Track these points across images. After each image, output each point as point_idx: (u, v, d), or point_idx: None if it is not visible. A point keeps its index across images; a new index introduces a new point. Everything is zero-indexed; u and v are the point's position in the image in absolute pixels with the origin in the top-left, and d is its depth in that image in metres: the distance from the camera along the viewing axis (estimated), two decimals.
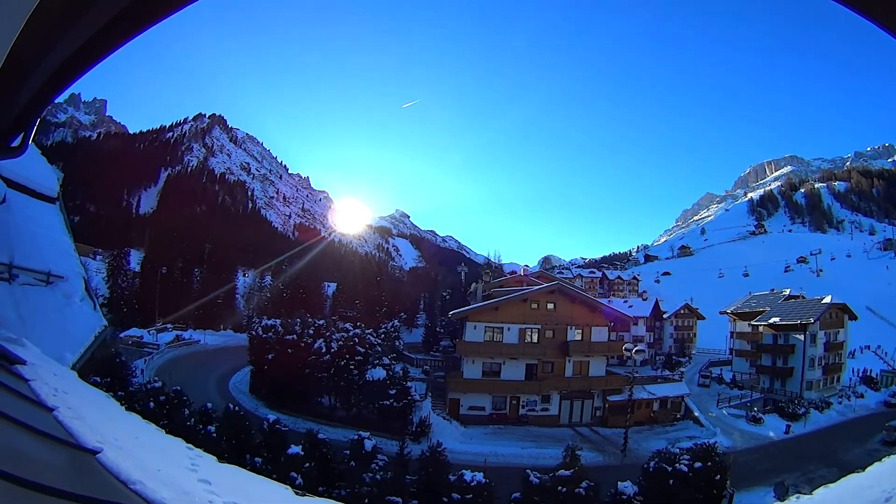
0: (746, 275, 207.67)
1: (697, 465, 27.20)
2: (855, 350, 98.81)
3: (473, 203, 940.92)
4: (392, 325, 78.56)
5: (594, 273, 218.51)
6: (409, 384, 48.08)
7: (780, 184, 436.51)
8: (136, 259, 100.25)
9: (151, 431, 5.58)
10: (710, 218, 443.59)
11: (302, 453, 25.76)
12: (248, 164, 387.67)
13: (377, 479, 23.64)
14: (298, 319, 55.11)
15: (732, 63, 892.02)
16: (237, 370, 60.11)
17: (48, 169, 14.18)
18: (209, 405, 32.46)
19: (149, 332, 73.78)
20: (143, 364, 53.78)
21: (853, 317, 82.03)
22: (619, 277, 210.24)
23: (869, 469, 4.42)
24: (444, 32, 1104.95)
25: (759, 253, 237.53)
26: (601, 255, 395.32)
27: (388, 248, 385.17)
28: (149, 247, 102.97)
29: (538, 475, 25.84)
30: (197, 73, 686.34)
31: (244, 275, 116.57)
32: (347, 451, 27.66)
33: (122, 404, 6.79)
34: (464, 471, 25.39)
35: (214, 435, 27.64)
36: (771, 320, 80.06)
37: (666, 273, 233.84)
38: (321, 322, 56.65)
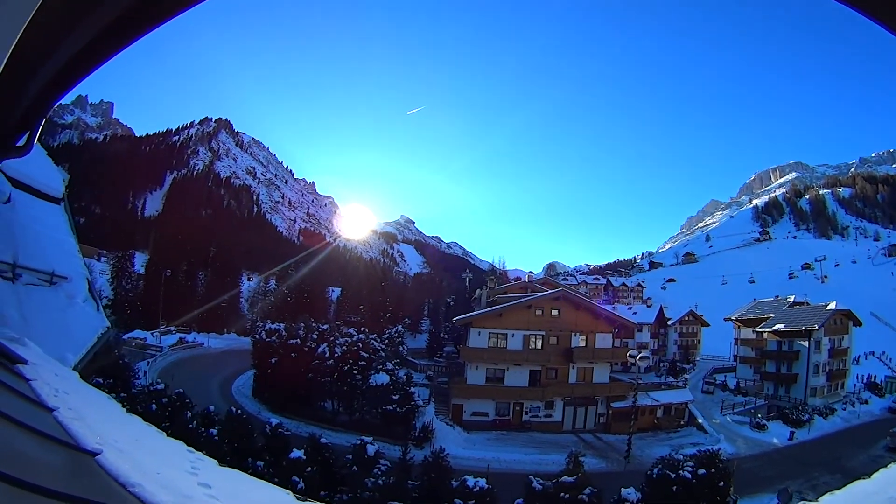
0: (752, 281, 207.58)
1: (701, 471, 27.09)
2: (859, 356, 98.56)
3: (478, 209, 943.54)
4: (396, 331, 78.66)
5: (599, 280, 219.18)
6: (412, 389, 48.12)
7: (784, 190, 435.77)
8: (140, 261, 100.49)
9: (152, 434, 5.55)
10: (714, 225, 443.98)
11: (304, 457, 25.74)
12: (254, 168, 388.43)
13: (379, 484, 23.63)
14: (302, 324, 55.26)
15: (737, 69, 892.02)
16: (240, 374, 60.27)
17: (54, 170, 14.18)
18: (212, 408, 32.45)
19: (152, 334, 73.86)
20: (147, 366, 53.97)
21: (858, 323, 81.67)
22: (623, 284, 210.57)
23: (875, 475, 4.37)
24: (450, 39, 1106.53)
25: (763, 259, 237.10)
26: (606, 262, 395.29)
27: (392, 254, 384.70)
28: (153, 249, 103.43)
29: (541, 481, 25.78)
30: (204, 78, 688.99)
31: (248, 279, 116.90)
32: (350, 456, 27.62)
33: (124, 406, 6.78)
34: (466, 476, 25.33)
35: (217, 438, 27.63)
36: (775, 327, 79.75)
37: (671, 280, 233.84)
38: (325, 327, 56.74)
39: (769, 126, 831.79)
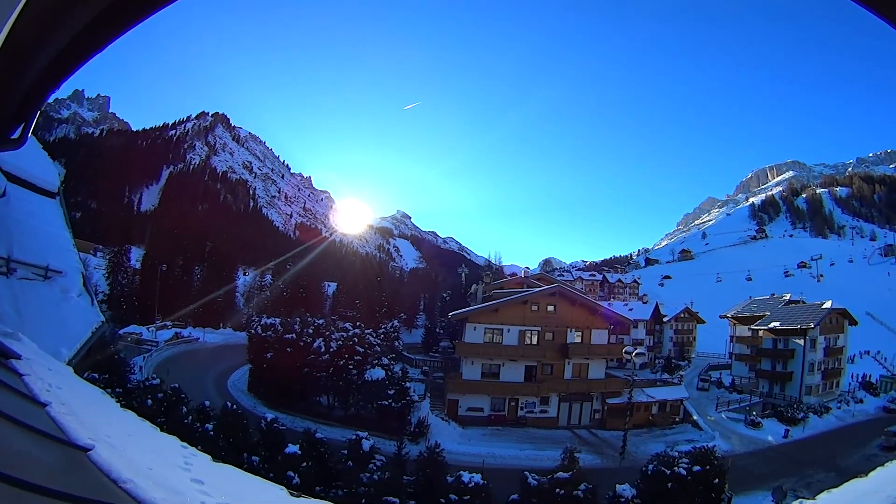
0: (750, 279, 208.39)
1: (696, 468, 27.10)
2: (855, 355, 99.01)
3: (475, 205, 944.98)
4: (392, 326, 78.50)
5: (595, 276, 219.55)
6: (407, 384, 48.14)
7: (781, 189, 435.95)
8: (136, 256, 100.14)
9: (145, 429, 5.53)
10: (711, 222, 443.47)
11: (299, 452, 25.70)
12: (251, 162, 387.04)
13: (375, 479, 23.58)
14: (298, 318, 55.15)
15: (736, 67, 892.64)
16: (236, 368, 60.21)
17: (49, 164, 14.15)
18: (207, 403, 32.37)
19: (148, 329, 73.80)
20: (142, 361, 53.76)
21: (853, 322, 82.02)
22: (619, 280, 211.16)
23: (872, 474, 4.37)
24: (448, 35, 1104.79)
25: (759, 257, 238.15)
26: (602, 259, 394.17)
27: (388, 249, 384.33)
28: (149, 244, 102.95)
29: (536, 477, 25.77)
30: (201, 72, 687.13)
31: (245, 273, 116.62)
32: (345, 451, 27.57)
33: (119, 401, 6.78)
34: (462, 472, 25.34)
35: (212, 433, 27.57)
36: (771, 325, 80.00)
37: (667, 277, 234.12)
38: (321, 321, 56.66)
39: (767, 124, 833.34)
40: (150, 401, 29.42)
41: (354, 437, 28.35)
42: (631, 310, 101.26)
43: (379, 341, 57.66)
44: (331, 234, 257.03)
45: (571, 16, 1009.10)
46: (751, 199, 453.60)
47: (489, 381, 54.65)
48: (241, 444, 27.51)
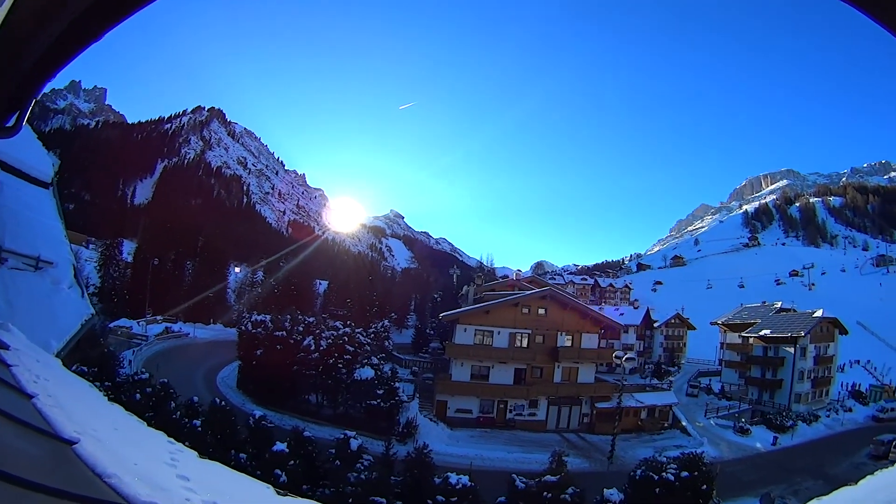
0: (742, 286, 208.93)
1: (684, 474, 27.17)
2: (845, 364, 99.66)
3: (468, 206, 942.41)
4: (382, 325, 78.53)
5: (586, 280, 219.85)
6: (396, 385, 48.14)
7: (775, 197, 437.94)
8: (128, 249, 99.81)
9: (132, 423, 5.50)
10: (704, 229, 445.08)
11: (287, 451, 25.67)
12: (245, 158, 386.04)
13: (362, 478, 23.56)
14: (288, 316, 55.09)
15: (733, 74, 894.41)
16: (225, 365, 60.04)
17: (44, 154, 14.09)
18: (195, 399, 32.25)
19: (138, 323, 73.52)
20: (132, 355, 53.60)
21: (844, 331, 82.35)
22: (610, 285, 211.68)
23: (861, 482, 4.37)
24: (441, 34, 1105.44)
25: (751, 265, 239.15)
26: (594, 263, 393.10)
27: (381, 248, 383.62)
28: (142, 238, 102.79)
29: (524, 480, 25.79)
30: (197, 66, 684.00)
31: (236, 269, 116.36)
32: (333, 450, 27.56)
33: (108, 395, 6.74)
34: (449, 473, 25.35)
35: (200, 429, 27.49)
36: (761, 332, 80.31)
37: (658, 282, 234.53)
38: (311, 319, 56.61)
39: (762, 132, 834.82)
40: (138, 395, 29.38)
41: (342, 436, 28.36)
42: (622, 314, 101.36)
43: (369, 341, 57.73)
44: (323, 232, 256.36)
45: (566, 18, 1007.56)
46: (744, 207, 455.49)
47: (478, 382, 54.61)
48: (228, 441, 27.47)
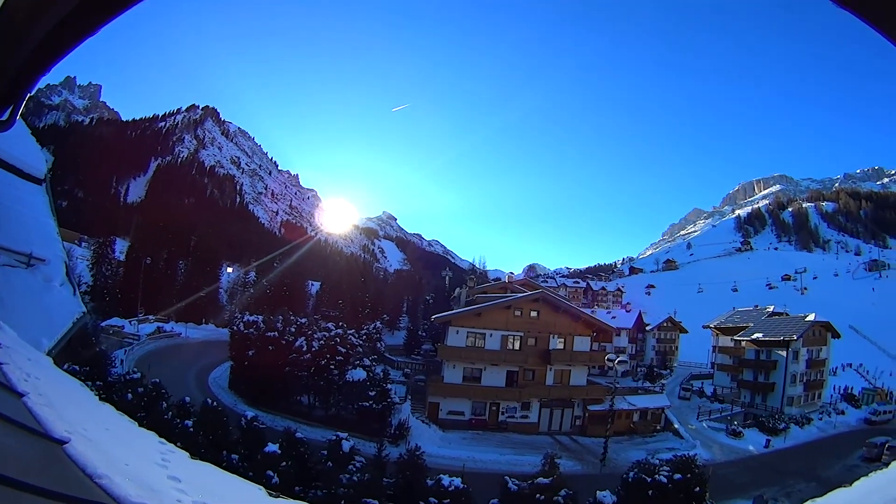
0: (735, 290, 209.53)
1: (677, 476, 27.17)
2: (837, 368, 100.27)
3: (461, 208, 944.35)
4: (374, 327, 78.47)
5: (579, 283, 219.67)
6: (389, 386, 47.97)
7: (768, 202, 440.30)
8: (121, 248, 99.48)
9: (123, 423, 5.45)
10: (696, 233, 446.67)
11: (279, 452, 25.57)
12: (239, 158, 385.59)
13: (354, 480, 23.51)
14: (281, 317, 55.03)
15: (728, 79, 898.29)
16: (217, 365, 59.95)
17: (37, 150, 13.97)
18: (187, 399, 32.11)
19: (130, 322, 73.34)
20: (124, 354, 53.50)
21: (836, 335, 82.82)
22: (603, 288, 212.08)
23: (856, 484, 4.36)
24: (436, 36, 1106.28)
25: (744, 269, 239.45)
26: (586, 266, 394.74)
27: (373, 250, 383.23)
28: (135, 236, 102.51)
29: (516, 482, 25.75)
30: (193, 64, 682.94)
31: (229, 269, 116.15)
32: (325, 452, 27.47)
33: (99, 394, 6.68)
34: (441, 475, 25.26)
35: (192, 429, 27.39)
36: (754, 336, 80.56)
37: (651, 286, 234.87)
38: (303, 320, 56.66)
39: (756, 138, 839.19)
40: (130, 395, 29.26)
41: (334, 437, 28.26)
42: (614, 318, 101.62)
43: (361, 342, 57.67)
44: (316, 233, 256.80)
45: (561, 21, 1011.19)
46: (737, 212, 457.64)
47: (471, 384, 54.59)
48: (220, 442, 27.33)
